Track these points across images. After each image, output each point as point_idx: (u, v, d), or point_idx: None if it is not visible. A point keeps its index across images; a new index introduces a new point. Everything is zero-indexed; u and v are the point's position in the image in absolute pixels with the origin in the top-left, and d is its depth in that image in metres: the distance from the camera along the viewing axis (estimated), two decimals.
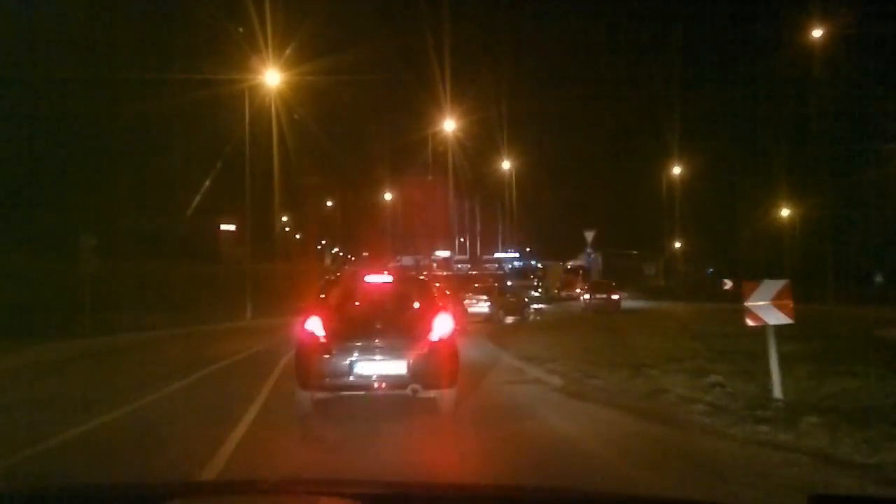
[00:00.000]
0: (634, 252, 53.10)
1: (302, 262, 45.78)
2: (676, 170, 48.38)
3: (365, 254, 74.67)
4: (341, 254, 77.54)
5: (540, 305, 28.94)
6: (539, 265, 42.37)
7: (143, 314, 22.79)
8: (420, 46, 37.01)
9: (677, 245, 53.34)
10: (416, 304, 7.64)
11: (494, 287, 24.89)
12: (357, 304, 7.92)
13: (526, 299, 26.16)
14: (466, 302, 22.77)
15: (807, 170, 37.59)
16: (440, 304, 7.70)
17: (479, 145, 45.62)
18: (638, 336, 15.04)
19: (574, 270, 43.37)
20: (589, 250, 24.05)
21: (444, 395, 7.14)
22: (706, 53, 60.16)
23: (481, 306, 22.53)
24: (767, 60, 45.71)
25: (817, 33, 30.04)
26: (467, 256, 76.37)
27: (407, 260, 67.47)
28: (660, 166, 48.34)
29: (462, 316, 20.24)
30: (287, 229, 76.83)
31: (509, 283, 38.41)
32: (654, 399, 7.84)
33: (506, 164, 49.51)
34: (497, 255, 74.63)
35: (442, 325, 7.18)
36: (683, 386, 8.36)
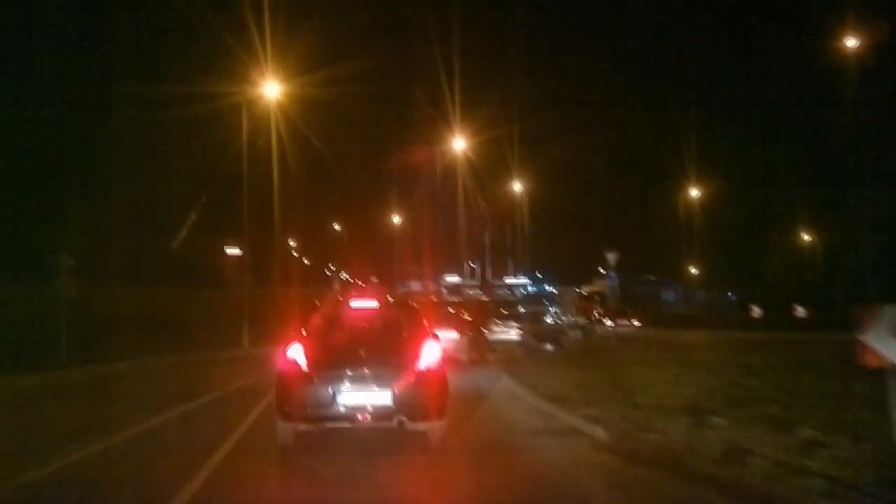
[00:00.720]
0: (651, 277, 51.05)
1: (307, 287, 43.80)
2: (694, 192, 46.73)
3: (374, 279, 73.31)
4: (350, 279, 75.79)
5: (577, 333, 26.90)
6: (553, 290, 40.42)
7: (132, 342, 21.06)
8: (428, 60, 35.43)
9: (693, 271, 51.40)
10: (404, 331, 7.37)
11: (524, 313, 23.08)
12: (341, 330, 7.56)
13: (562, 324, 24.17)
14: (490, 331, 21.05)
15: (827, 192, 35.91)
16: (429, 330, 7.40)
17: (490, 165, 44.00)
18: (680, 370, 13.07)
19: (590, 296, 41.33)
20: (612, 273, 21.98)
21: (434, 428, 6.88)
22: (726, 72, 58.30)
23: (509, 333, 20.72)
24: (787, 80, 44.14)
25: (850, 42, 28.34)
26: (478, 282, 74.65)
27: (415, 285, 65.87)
28: (677, 188, 46.67)
29: (481, 345, 18.36)
30: (295, 254, 75.80)
31: (522, 310, 36.57)
32: (741, 465, 5.89)
33: (517, 186, 47.85)
34: (507, 280, 72.86)
35: (430, 353, 6.97)
36: (770, 444, 6.42)
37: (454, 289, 64.11)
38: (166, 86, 23.90)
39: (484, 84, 53.16)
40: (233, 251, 59.91)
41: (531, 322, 21.44)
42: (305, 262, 77.48)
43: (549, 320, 22.81)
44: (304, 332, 7.11)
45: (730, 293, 50.55)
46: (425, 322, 7.50)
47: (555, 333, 22.39)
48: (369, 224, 64.25)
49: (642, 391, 10.29)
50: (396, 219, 58.73)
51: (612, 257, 20.65)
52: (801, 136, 40.04)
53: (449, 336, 18.62)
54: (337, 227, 71.14)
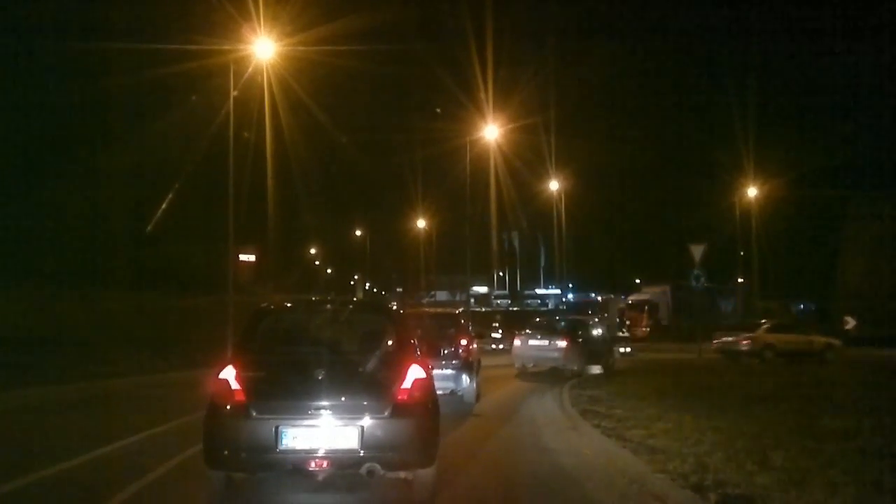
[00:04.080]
0: (706, 284, 46.16)
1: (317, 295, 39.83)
2: (752, 191, 41.91)
3: (399, 289, 69.59)
4: (375, 289, 72.30)
5: (627, 348, 22.22)
6: (598, 298, 35.93)
7: (115, 354, 17.43)
8: (459, 42, 31.47)
9: (740, 280, 46.58)
10: (382, 347, 5.49)
11: (566, 322, 18.45)
12: (296, 344, 5.74)
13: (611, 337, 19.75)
14: (522, 343, 16.68)
15: None
16: (414, 347, 5.67)
17: (524, 159, 39.46)
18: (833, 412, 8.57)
19: (638, 305, 36.70)
20: (697, 272, 17.40)
21: (419, 478, 5.19)
22: (780, 59, 53.26)
23: (546, 350, 16.05)
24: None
25: None
26: (507, 291, 70.41)
27: (441, 295, 61.98)
28: (732, 186, 41.89)
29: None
30: (317, 262, 72.33)
31: (562, 322, 32.43)
32: None
33: (553, 185, 43.24)
34: (539, 290, 68.45)
35: (414, 377, 5.15)
36: None
37: (482, 299, 60.11)
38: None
39: (520, 63, 48.24)
40: (247, 258, 56.68)
41: (572, 335, 16.75)
42: (328, 271, 74.35)
43: (595, 333, 18.21)
44: (243, 347, 5.48)
45: (801, 303, 45.46)
46: (411, 336, 5.83)
47: (601, 349, 17.78)
48: (393, 229, 60.22)
49: (804, 452, 5.86)
50: (421, 223, 54.49)
51: (697, 251, 16.22)
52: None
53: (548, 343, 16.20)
54: (359, 232, 67.58)
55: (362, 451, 4.92)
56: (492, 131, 32.47)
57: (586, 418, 8.63)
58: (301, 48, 19.97)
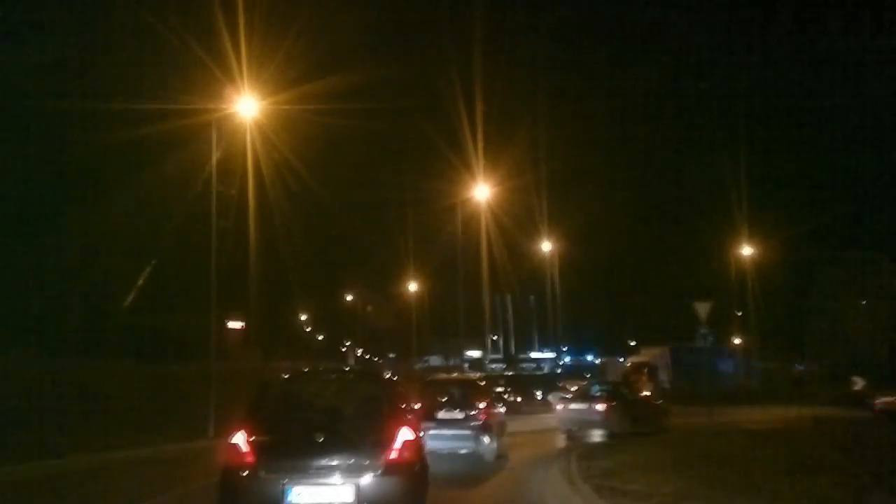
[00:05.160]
0: (694, 344, 45.18)
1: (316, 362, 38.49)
2: (747, 250, 41.45)
3: (391, 355, 68.06)
4: (367, 356, 70.71)
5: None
6: (596, 361, 34.79)
7: (64, 431, 16.02)
8: (447, 94, 31.26)
9: (737, 341, 45.58)
10: (376, 411, 6.21)
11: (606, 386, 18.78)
12: (299, 411, 6.35)
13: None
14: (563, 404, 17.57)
15: None
16: (405, 409, 6.48)
17: (512, 225, 38.88)
18: None
19: (637, 367, 35.47)
20: (704, 331, 16.51)
21: None
22: (772, 115, 53.47)
23: (586, 410, 16.80)
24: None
25: None
26: (501, 356, 68.99)
27: (435, 360, 60.56)
28: (726, 246, 41.46)
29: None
30: (308, 329, 70.83)
31: (561, 386, 31.54)
32: None
33: (546, 246, 42.69)
34: (533, 354, 67.13)
35: (404, 439, 5.85)
36: None
37: (476, 363, 58.76)
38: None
39: (509, 122, 48.31)
40: (235, 325, 55.22)
41: (611, 398, 17.35)
42: (319, 338, 72.76)
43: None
44: (252, 414, 6.04)
45: (798, 364, 44.32)
46: (401, 400, 6.50)
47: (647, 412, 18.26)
48: (384, 293, 59.14)
49: None
50: (413, 286, 53.57)
51: (703, 308, 15.41)
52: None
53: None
54: (350, 297, 66.47)
55: None
56: (482, 191, 32.05)
57: (602, 497, 7.58)
58: (286, 107, 19.55)
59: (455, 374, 23.60)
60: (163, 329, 30.57)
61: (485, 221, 33.21)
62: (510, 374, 49.20)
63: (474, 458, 11.48)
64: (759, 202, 40.86)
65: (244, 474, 5.65)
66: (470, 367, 48.68)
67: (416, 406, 11.86)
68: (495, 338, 71.22)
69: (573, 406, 17.62)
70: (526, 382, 32.89)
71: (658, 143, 58.76)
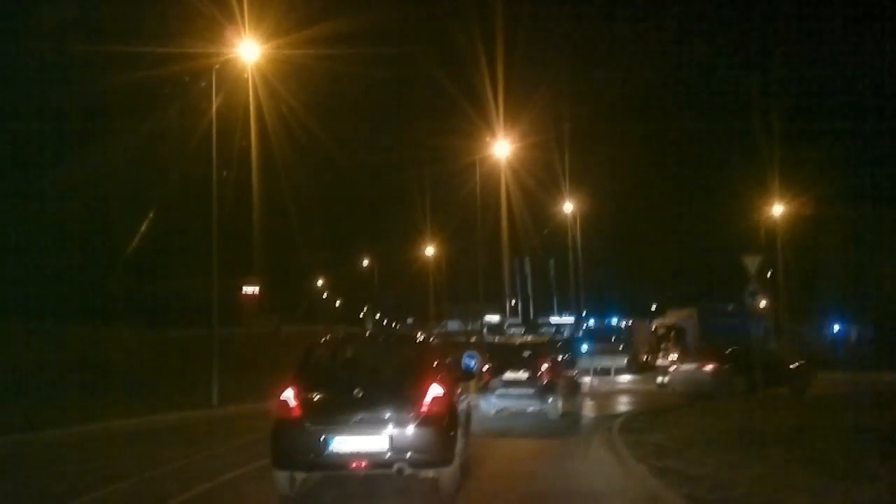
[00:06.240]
0: (730, 306, 43.54)
1: (324, 327, 37.49)
2: (778, 209, 39.58)
3: (409, 320, 67.26)
4: (385, 321, 70.06)
5: (665, 378, 20.99)
6: (623, 324, 33.35)
7: (65, 399, 15.28)
8: (467, 49, 29.46)
9: (764, 302, 43.83)
10: (410, 370, 7.03)
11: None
12: (341, 371, 7.46)
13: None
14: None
15: None
16: (437, 368, 7.04)
17: (533, 185, 37.10)
18: None
19: (664, 330, 33.98)
20: (752, 287, 14.97)
21: (442, 475, 6.56)
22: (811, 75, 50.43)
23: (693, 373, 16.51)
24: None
25: None
26: (520, 320, 67.76)
27: (453, 325, 59.55)
28: (757, 204, 39.58)
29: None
30: (325, 295, 70.04)
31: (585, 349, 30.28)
32: None
33: (567, 207, 41.04)
34: (553, 318, 65.81)
35: (434, 395, 6.55)
36: None
37: (495, 328, 57.67)
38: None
39: (531, 72, 45.74)
40: (251, 289, 54.22)
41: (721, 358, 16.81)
42: (336, 304, 72.05)
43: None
44: (300, 373, 6.86)
45: (838, 325, 42.59)
46: (435, 361, 7.17)
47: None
48: (400, 257, 57.89)
49: None
50: (430, 250, 52.30)
51: (753, 263, 13.92)
52: None
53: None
54: (366, 262, 65.46)
55: (392, 454, 6.25)
56: (503, 148, 30.37)
57: (670, 487, 6.18)
58: (291, 51, 18.05)
59: (524, 338, 23.99)
60: (168, 295, 29.68)
61: (504, 181, 31.56)
62: (529, 338, 48.11)
63: (540, 416, 12.73)
64: (791, 160, 38.66)
65: (291, 426, 6.43)
66: (489, 333, 47.61)
67: (485, 368, 13.09)
68: (514, 302, 70.09)
69: (684, 367, 17.83)
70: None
71: (684, 104, 56.24)
